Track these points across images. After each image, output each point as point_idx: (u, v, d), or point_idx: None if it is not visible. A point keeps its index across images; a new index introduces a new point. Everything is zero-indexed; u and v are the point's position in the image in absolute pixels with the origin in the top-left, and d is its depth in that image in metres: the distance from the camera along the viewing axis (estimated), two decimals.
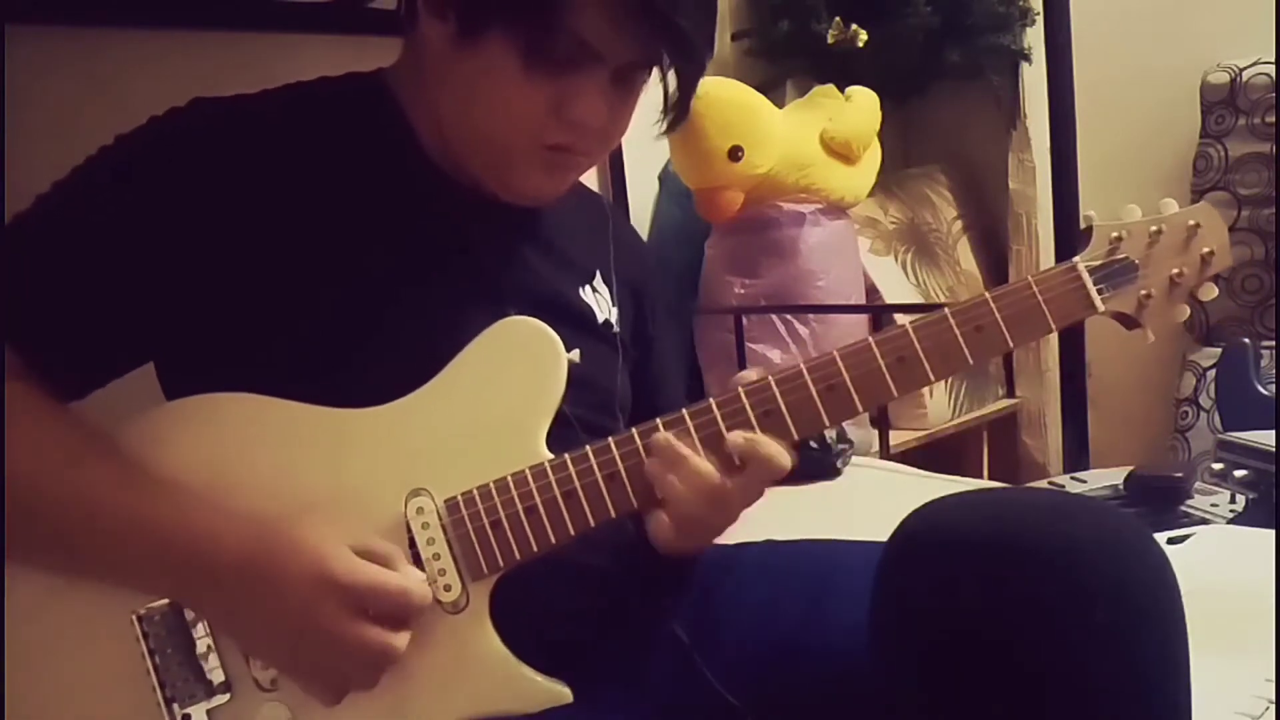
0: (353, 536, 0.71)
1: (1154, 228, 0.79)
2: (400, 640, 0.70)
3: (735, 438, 0.74)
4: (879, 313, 2.15)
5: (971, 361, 0.76)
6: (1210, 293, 0.80)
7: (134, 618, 0.72)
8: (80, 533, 0.71)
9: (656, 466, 0.74)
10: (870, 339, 0.76)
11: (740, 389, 0.75)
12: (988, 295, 0.77)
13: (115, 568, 0.72)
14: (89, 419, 0.76)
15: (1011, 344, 0.77)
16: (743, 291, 2.10)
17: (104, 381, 0.79)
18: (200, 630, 0.73)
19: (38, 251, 0.76)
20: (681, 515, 0.75)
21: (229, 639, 0.73)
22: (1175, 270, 0.79)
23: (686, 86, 0.81)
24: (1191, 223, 0.79)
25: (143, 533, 0.70)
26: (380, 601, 0.69)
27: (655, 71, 0.81)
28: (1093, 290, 0.77)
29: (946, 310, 0.77)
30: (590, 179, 0.92)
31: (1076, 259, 0.78)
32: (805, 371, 0.76)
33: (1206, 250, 0.79)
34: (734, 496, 0.76)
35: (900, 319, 0.83)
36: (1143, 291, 0.78)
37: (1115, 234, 0.78)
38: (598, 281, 0.92)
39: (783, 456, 0.75)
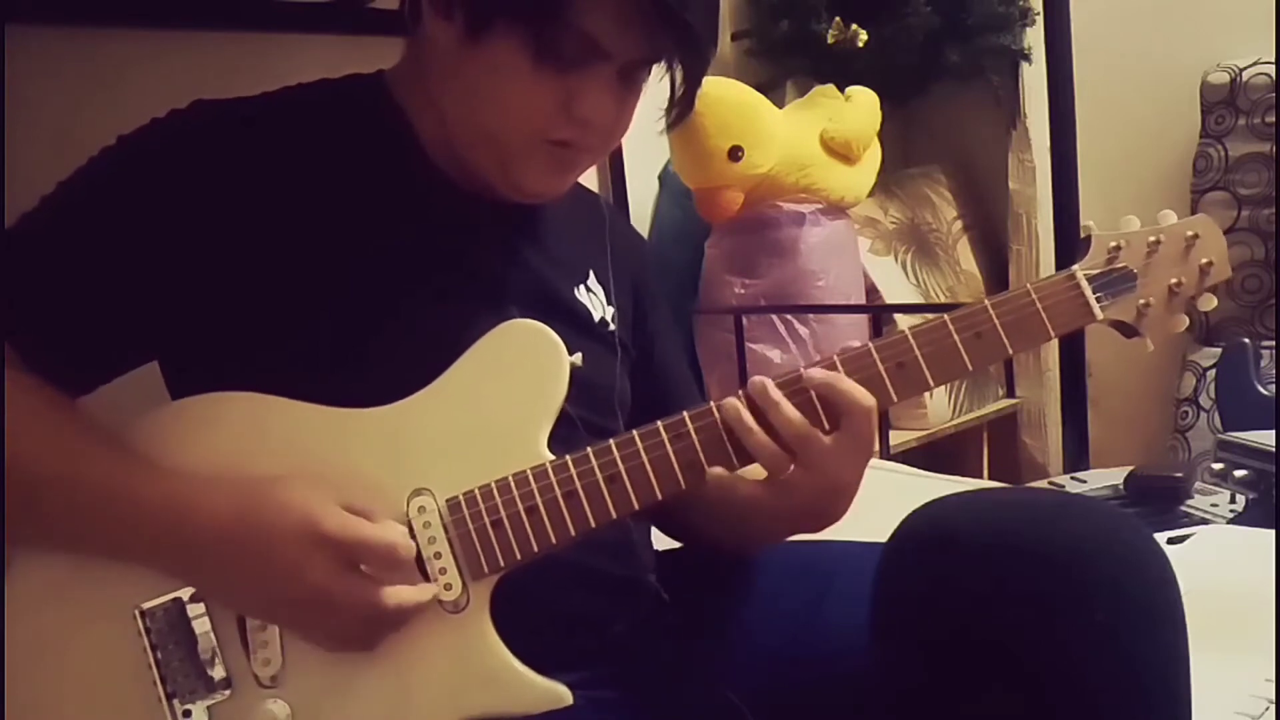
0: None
1: (1152, 238, 0.79)
2: (390, 595, 0.70)
3: (812, 374, 0.74)
4: (879, 313, 2.16)
5: (971, 368, 0.77)
6: (1209, 303, 0.80)
7: (136, 613, 0.73)
8: (68, 509, 0.71)
9: (743, 418, 0.73)
10: (870, 344, 0.76)
11: (740, 394, 0.75)
12: (987, 302, 0.77)
13: (107, 543, 0.72)
14: (88, 412, 0.77)
15: (1011, 351, 0.77)
16: (743, 291, 2.11)
17: (107, 378, 0.80)
18: (202, 626, 0.73)
19: (41, 250, 0.77)
20: (775, 477, 0.74)
21: (223, 605, 0.73)
22: (1174, 280, 0.79)
23: (692, 82, 0.82)
24: (1190, 233, 0.79)
25: (127, 504, 0.71)
26: (369, 554, 0.70)
27: (658, 68, 0.81)
28: (1092, 299, 0.78)
29: (946, 317, 0.77)
30: (590, 179, 0.92)
31: (1075, 267, 0.79)
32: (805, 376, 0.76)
33: (1205, 261, 0.80)
34: (830, 455, 0.74)
35: (900, 323, 0.84)
36: (1141, 300, 0.79)
37: (1114, 243, 0.79)
38: (592, 281, 0.92)
39: (863, 394, 0.74)
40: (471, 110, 0.79)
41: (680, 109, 0.84)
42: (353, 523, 0.70)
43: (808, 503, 0.78)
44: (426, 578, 0.73)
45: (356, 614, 0.70)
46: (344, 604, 0.69)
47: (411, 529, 0.74)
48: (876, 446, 2.09)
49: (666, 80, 0.82)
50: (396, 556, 0.71)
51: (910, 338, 0.76)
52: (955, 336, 0.76)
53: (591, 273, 0.92)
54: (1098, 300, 0.78)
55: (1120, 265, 0.78)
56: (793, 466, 0.75)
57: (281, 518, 0.69)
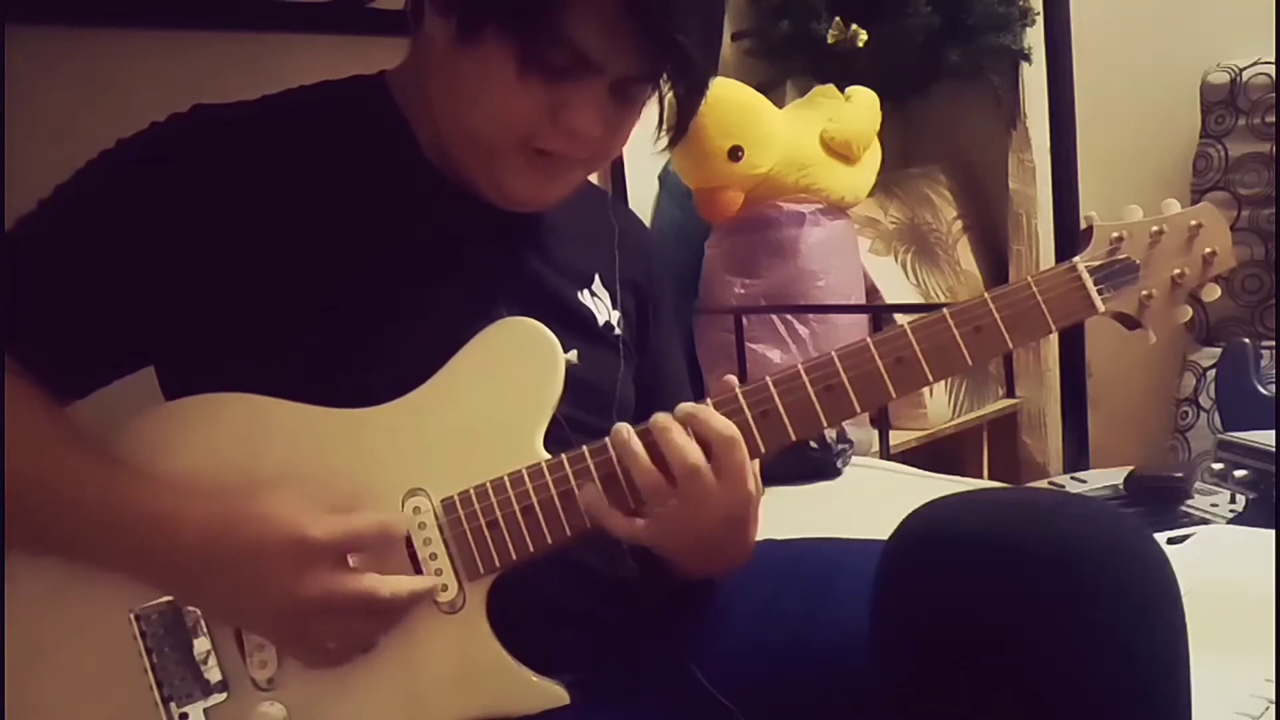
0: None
1: (1155, 228, 0.78)
2: (387, 584, 0.70)
3: (683, 406, 0.73)
4: (879, 313, 2.15)
5: (971, 363, 0.76)
6: (1213, 294, 0.79)
7: (131, 616, 0.72)
8: (53, 516, 0.71)
9: (631, 442, 0.73)
10: (869, 339, 0.76)
11: (738, 389, 0.75)
12: (987, 296, 0.76)
13: (94, 552, 0.72)
14: (77, 416, 0.77)
15: (1011, 345, 0.76)
16: (743, 291, 2.10)
17: (104, 382, 0.79)
18: (198, 629, 0.73)
19: (39, 254, 0.76)
20: (659, 514, 0.74)
21: (216, 621, 0.73)
22: (1177, 270, 0.78)
23: (687, 105, 0.81)
24: (1193, 223, 0.79)
25: (109, 512, 0.70)
26: (361, 543, 0.70)
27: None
28: (1093, 290, 0.77)
29: (945, 311, 0.76)
30: (590, 179, 0.91)
31: (1077, 259, 0.78)
32: (803, 372, 0.75)
33: (1208, 250, 0.79)
34: (708, 488, 0.73)
35: (900, 319, 0.83)
36: (1144, 292, 0.78)
37: (1116, 234, 0.78)
38: (597, 285, 0.92)
39: (724, 423, 0.73)
40: (460, 111, 0.78)
41: (675, 131, 0.83)
42: (338, 521, 0.70)
43: (689, 545, 0.77)
44: None
45: (356, 613, 0.70)
46: (343, 606, 0.69)
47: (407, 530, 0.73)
48: (876, 446, 2.09)
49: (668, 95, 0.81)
50: (388, 534, 0.71)
51: (909, 333, 0.76)
52: (954, 331, 0.76)
53: (597, 276, 0.92)
54: (1099, 292, 0.77)
55: (1122, 256, 0.78)
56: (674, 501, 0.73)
57: (267, 531, 0.69)
